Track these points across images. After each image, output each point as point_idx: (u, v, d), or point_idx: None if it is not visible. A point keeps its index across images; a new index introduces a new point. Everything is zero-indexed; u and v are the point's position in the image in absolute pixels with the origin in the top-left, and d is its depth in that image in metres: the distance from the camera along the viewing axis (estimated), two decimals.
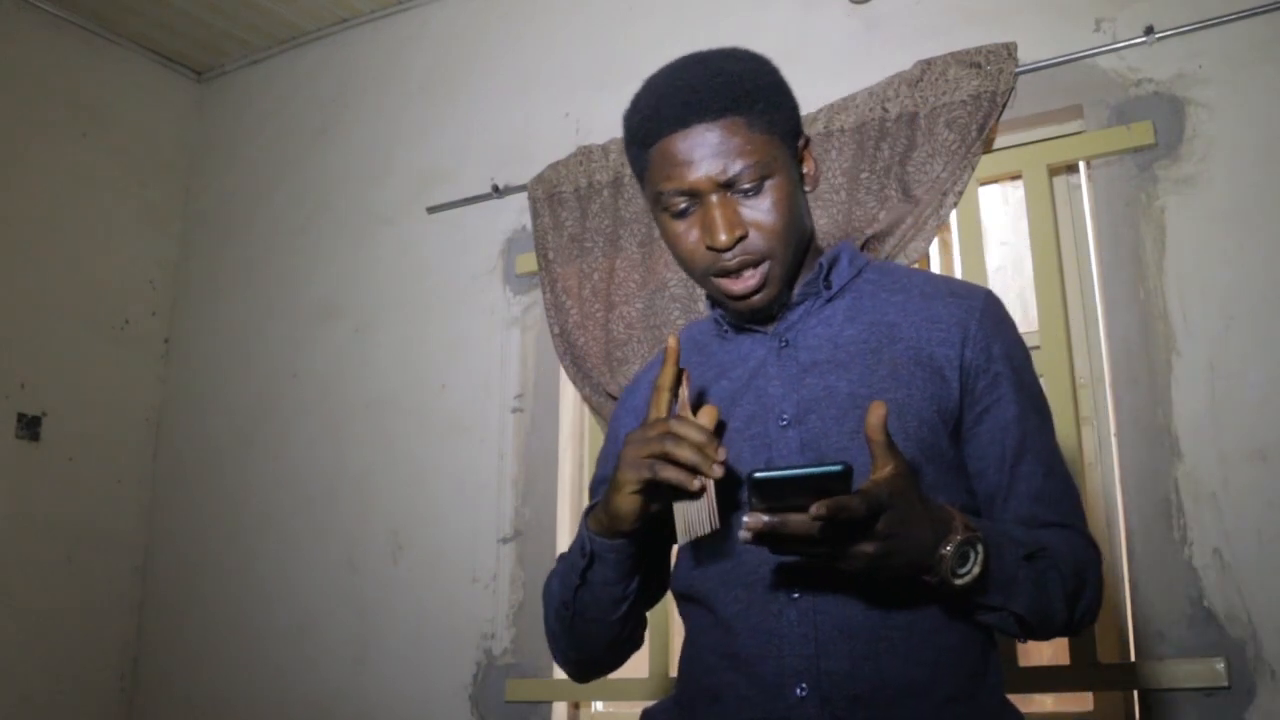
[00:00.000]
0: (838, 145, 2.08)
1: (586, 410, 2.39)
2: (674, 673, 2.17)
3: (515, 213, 2.58)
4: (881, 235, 2.00)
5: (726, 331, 1.20)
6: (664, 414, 1.03)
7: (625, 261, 2.30)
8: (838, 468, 0.85)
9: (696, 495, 0.98)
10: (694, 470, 0.96)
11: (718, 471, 0.96)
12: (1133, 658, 1.77)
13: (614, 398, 2.24)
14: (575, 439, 2.44)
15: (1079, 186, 2.05)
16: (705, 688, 1.10)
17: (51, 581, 2.71)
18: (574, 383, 2.34)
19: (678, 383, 1.04)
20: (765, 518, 0.87)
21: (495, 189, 2.61)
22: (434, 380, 2.61)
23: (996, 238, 2.53)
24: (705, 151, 1.05)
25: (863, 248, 2.02)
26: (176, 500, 2.94)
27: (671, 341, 1.05)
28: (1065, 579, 1.04)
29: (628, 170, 2.33)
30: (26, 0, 2.88)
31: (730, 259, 1.07)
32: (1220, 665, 1.66)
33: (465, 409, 2.54)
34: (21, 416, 2.72)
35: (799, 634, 1.03)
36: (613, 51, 2.57)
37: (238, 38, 3.11)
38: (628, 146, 1.13)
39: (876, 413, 0.93)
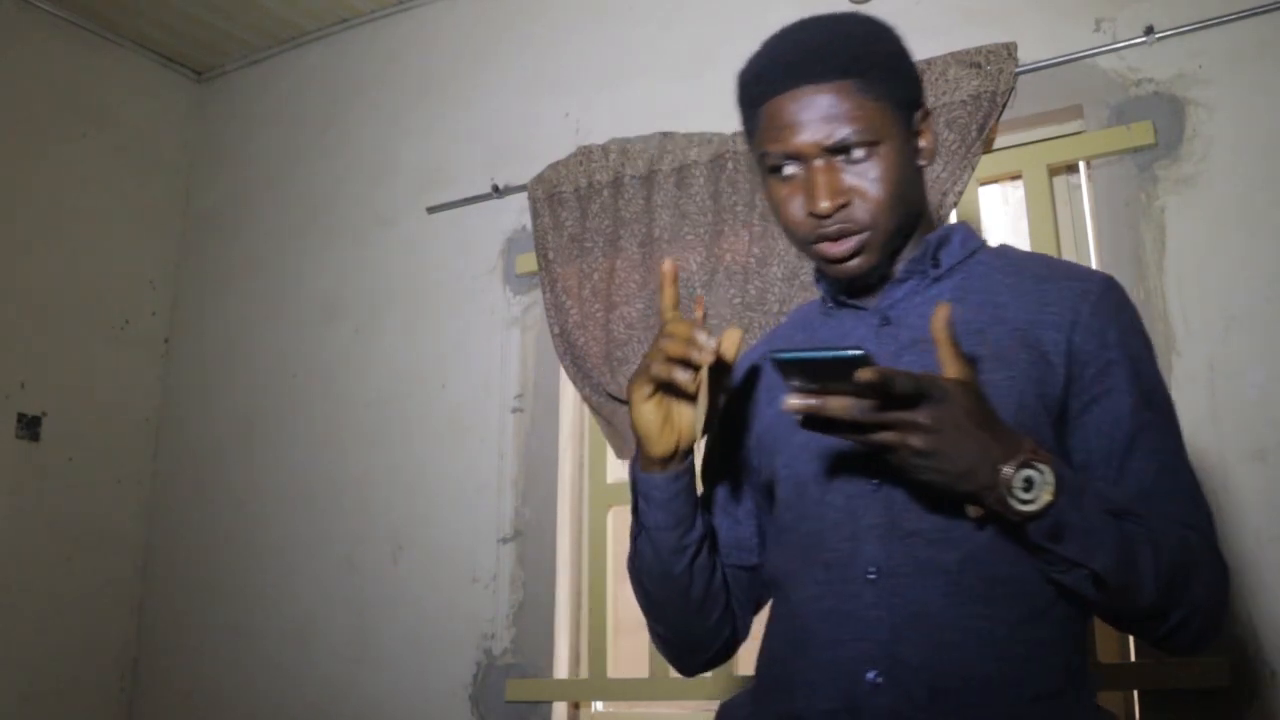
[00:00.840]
0: None
1: (586, 410, 2.39)
2: (674, 673, 2.17)
3: (515, 213, 2.58)
4: None
5: (830, 308, 1.17)
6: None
7: (625, 261, 2.30)
8: (858, 351, 0.83)
9: (694, 397, 1.01)
10: (685, 363, 0.98)
11: (705, 357, 0.97)
12: (1133, 657, 1.77)
13: (614, 398, 2.24)
14: (575, 439, 2.44)
15: (1079, 186, 2.05)
16: (775, 677, 1.07)
17: (51, 581, 2.71)
18: (574, 383, 2.34)
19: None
20: (809, 399, 0.87)
21: (495, 189, 2.61)
22: (434, 380, 2.61)
23: (996, 238, 2.53)
24: (813, 115, 1.02)
25: None
26: (176, 500, 2.94)
27: (667, 265, 1.05)
28: (1161, 555, 0.94)
29: (628, 170, 2.33)
30: (27, 0, 2.88)
31: (830, 226, 1.04)
32: (1220, 665, 1.66)
33: (465, 409, 2.54)
34: (21, 416, 2.72)
35: (873, 616, 0.98)
36: (613, 51, 2.57)
37: (238, 38, 3.11)
38: (740, 105, 1.11)
39: (941, 313, 0.91)
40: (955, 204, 1.99)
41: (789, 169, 1.06)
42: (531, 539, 2.37)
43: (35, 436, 2.74)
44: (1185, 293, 1.84)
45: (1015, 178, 2.08)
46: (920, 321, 1.07)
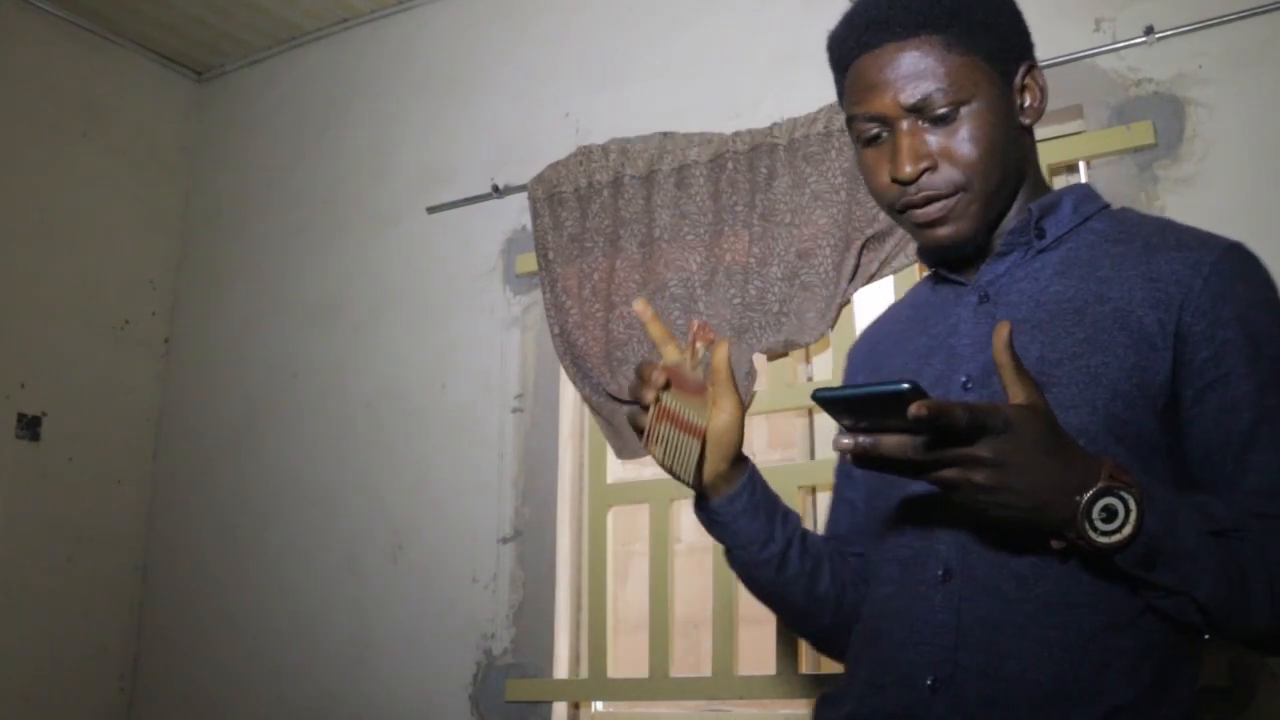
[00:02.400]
0: (837, 145, 2.08)
1: (586, 410, 2.39)
2: (675, 672, 2.18)
3: (515, 213, 2.58)
4: (881, 235, 2.00)
5: (933, 284, 1.12)
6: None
7: (625, 261, 2.30)
8: (904, 385, 0.77)
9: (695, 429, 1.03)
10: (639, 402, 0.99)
11: (647, 397, 0.98)
12: None
13: (614, 398, 2.24)
14: (575, 439, 2.44)
15: None
16: (853, 671, 1.05)
17: (51, 581, 2.71)
18: (574, 383, 2.34)
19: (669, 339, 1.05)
20: (861, 439, 0.82)
21: (495, 189, 2.61)
22: (434, 380, 2.60)
23: None
24: (894, 74, 0.96)
25: (862, 248, 2.02)
26: (176, 500, 2.94)
27: (639, 305, 1.04)
28: (1275, 576, 0.86)
29: (628, 170, 2.33)
30: (27, 0, 2.87)
31: (915, 193, 0.98)
32: (1220, 665, 1.66)
33: (465, 409, 2.54)
34: (21, 416, 2.72)
35: (940, 620, 0.94)
36: (613, 51, 2.57)
37: (238, 38, 3.11)
38: (832, 71, 1.06)
39: (1001, 333, 0.83)
40: None
41: (874, 130, 1.00)
42: (531, 539, 2.37)
43: (35, 436, 2.74)
44: None
45: None
46: (1020, 299, 1.01)
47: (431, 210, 2.72)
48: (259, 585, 2.71)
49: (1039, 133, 2.04)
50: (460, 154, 2.73)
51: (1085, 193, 1.08)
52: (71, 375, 2.84)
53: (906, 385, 0.77)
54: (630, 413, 1.02)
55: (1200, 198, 1.86)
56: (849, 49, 1.01)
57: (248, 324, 2.98)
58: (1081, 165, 2.03)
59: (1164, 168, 1.89)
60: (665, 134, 2.33)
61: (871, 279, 2.03)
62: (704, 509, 1.09)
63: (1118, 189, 1.93)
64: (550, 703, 2.26)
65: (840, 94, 1.06)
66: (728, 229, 2.19)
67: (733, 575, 2.12)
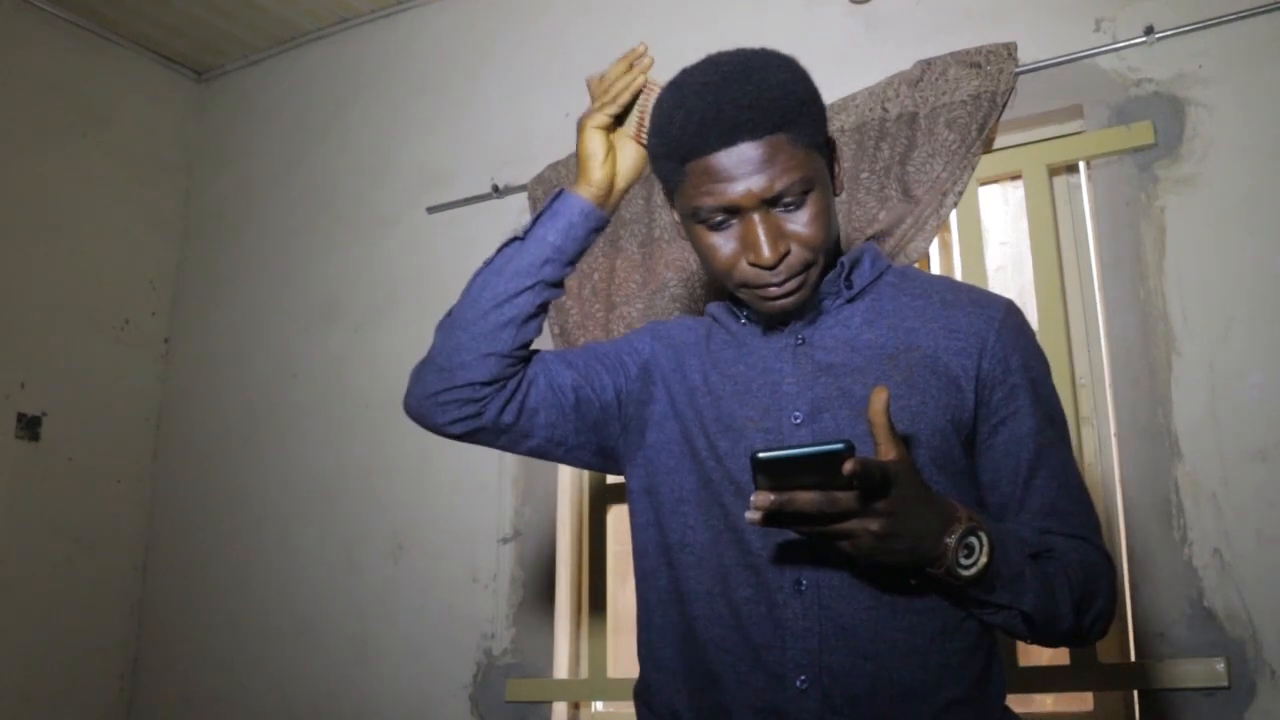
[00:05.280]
0: (837, 146, 2.08)
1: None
2: None
3: (515, 213, 2.58)
4: (881, 235, 2.00)
5: (743, 322, 1.20)
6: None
7: (625, 261, 2.30)
8: (840, 445, 0.84)
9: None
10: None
11: (644, 61, 1.17)
12: (1133, 658, 1.77)
13: None
14: None
15: (1079, 186, 2.05)
16: (701, 662, 1.10)
17: (51, 581, 2.71)
18: None
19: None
20: (773, 497, 0.88)
21: (495, 189, 2.61)
22: None
23: (996, 238, 2.53)
24: (749, 169, 1.04)
25: None
26: (176, 500, 2.94)
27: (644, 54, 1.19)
28: (1073, 584, 1.04)
29: None
30: (27, 0, 2.88)
31: (775, 275, 1.07)
32: (1220, 665, 1.66)
33: None
34: (21, 416, 2.72)
35: (803, 626, 1.04)
36: (613, 52, 2.53)
37: (238, 38, 3.11)
38: (658, 159, 1.11)
39: (879, 397, 0.94)
40: (955, 204, 1.99)
41: (721, 219, 1.08)
42: (531, 539, 2.37)
43: (35, 436, 2.74)
44: (1185, 293, 1.84)
45: (1015, 178, 2.09)
46: (834, 344, 1.14)
47: (431, 210, 2.72)
48: (259, 585, 2.71)
49: (1039, 133, 2.07)
50: (460, 154, 2.73)
51: (876, 251, 1.21)
52: (71, 375, 2.84)
53: (842, 445, 0.84)
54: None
55: (1200, 198, 1.86)
56: (698, 143, 1.05)
57: (248, 324, 2.98)
58: (1081, 165, 2.03)
59: (1164, 168, 1.89)
60: None
61: None
62: (564, 198, 1.18)
63: (1118, 189, 1.93)
64: (550, 703, 2.26)
65: (671, 181, 1.11)
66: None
67: None
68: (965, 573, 0.95)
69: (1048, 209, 1.99)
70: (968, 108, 1.99)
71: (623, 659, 2.31)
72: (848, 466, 0.84)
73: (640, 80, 1.17)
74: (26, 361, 2.75)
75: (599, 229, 1.20)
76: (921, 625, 1.04)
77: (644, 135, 1.16)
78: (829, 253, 1.13)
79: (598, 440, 1.24)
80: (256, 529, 2.76)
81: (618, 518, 2.37)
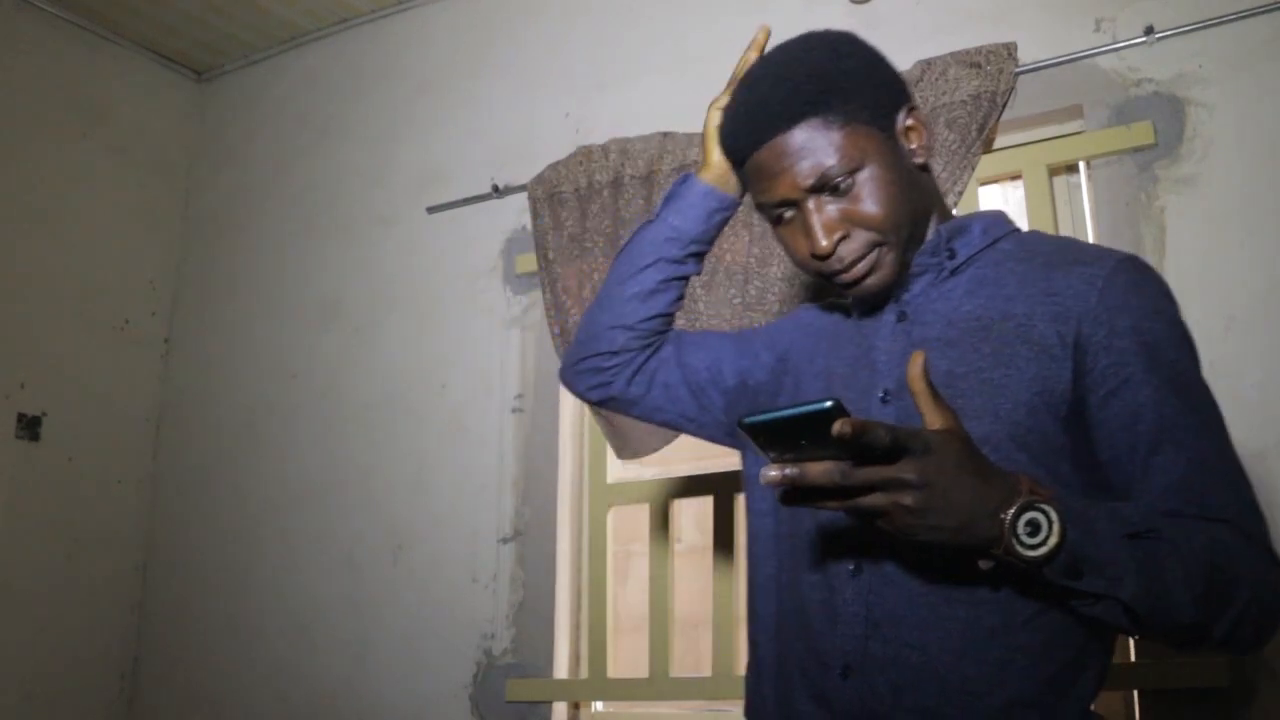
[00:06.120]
0: None
1: (586, 410, 2.39)
2: (675, 672, 2.18)
3: (515, 213, 2.58)
4: None
5: (853, 311, 1.19)
6: None
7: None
8: (827, 404, 0.78)
9: None
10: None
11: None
12: (1133, 657, 1.77)
13: None
14: (575, 439, 2.44)
15: (1079, 186, 2.05)
16: (782, 653, 1.09)
17: (51, 581, 2.71)
18: None
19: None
20: (787, 470, 0.82)
21: (495, 189, 2.61)
22: (434, 380, 2.61)
23: None
24: (788, 162, 1.03)
25: None
26: (176, 500, 2.94)
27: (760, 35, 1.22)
28: (1192, 571, 0.88)
29: (628, 170, 2.33)
30: (27, 0, 2.88)
31: (836, 263, 1.05)
32: (1220, 665, 1.66)
33: (465, 409, 2.54)
34: (21, 416, 2.72)
35: (852, 612, 1.01)
36: (613, 51, 2.57)
37: (238, 38, 3.11)
38: (733, 169, 1.17)
39: (915, 363, 0.86)
40: (955, 204, 1.99)
41: (783, 213, 1.07)
42: (531, 539, 2.37)
43: (35, 436, 2.74)
44: (1185, 293, 1.82)
45: (1015, 178, 2.08)
46: (934, 318, 1.08)
47: (431, 210, 2.72)
48: (259, 585, 2.71)
49: (1039, 133, 2.07)
50: (460, 154, 2.73)
51: (995, 217, 1.14)
52: (71, 375, 2.84)
53: (829, 404, 0.78)
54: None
55: (1200, 197, 1.86)
56: (742, 147, 1.08)
57: (248, 324, 2.98)
58: (1081, 165, 2.03)
59: (1164, 168, 1.89)
60: (665, 134, 2.33)
61: None
62: (688, 182, 1.21)
63: (1118, 189, 1.93)
64: (550, 703, 2.26)
65: (745, 184, 1.15)
66: (728, 229, 2.18)
67: (733, 575, 2.14)
68: (1030, 554, 0.83)
69: (1048, 209, 1.99)
70: (968, 108, 1.99)
71: (623, 659, 2.31)
72: (835, 428, 0.77)
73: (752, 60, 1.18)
74: (26, 361, 2.75)
75: (724, 209, 1.22)
76: (979, 617, 0.96)
77: None
78: (918, 226, 1.08)
79: (730, 421, 1.25)
80: (256, 529, 2.76)
81: (618, 518, 2.37)
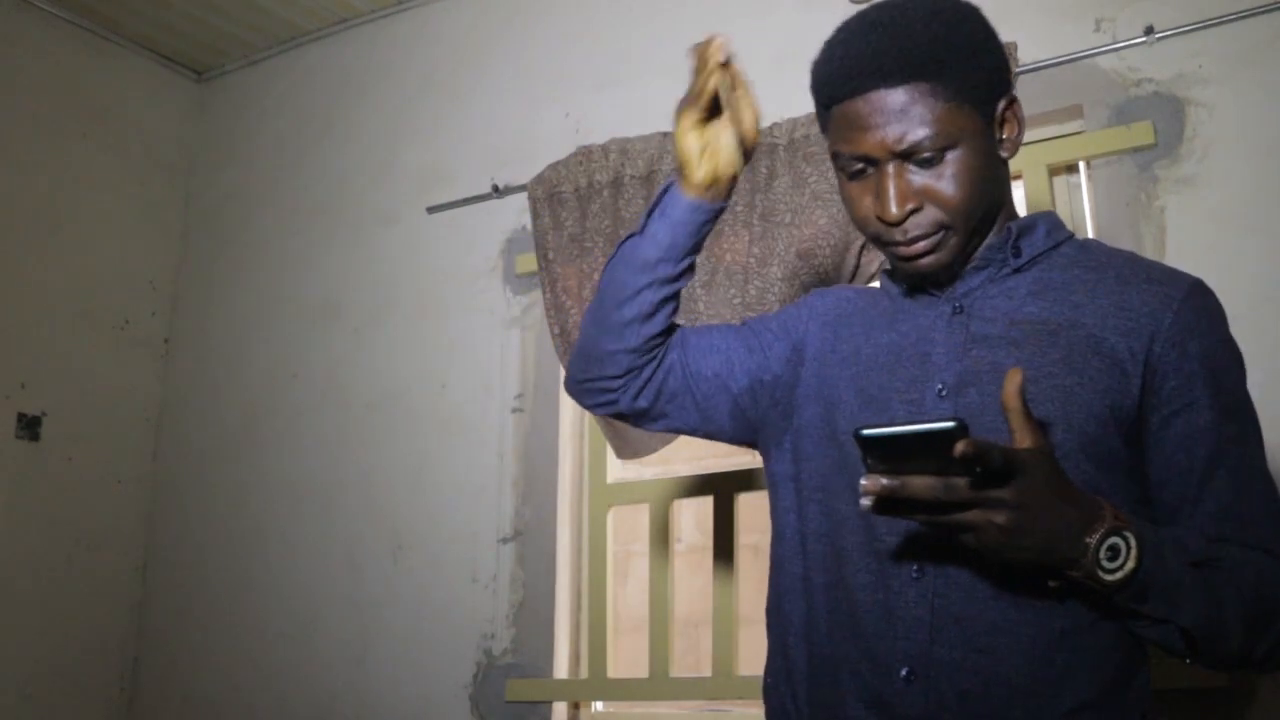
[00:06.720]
0: None
1: (586, 410, 2.39)
2: (675, 672, 2.18)
3: (515, 213, 2.58)
4: None
5: (902, 289, 1.14)
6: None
7: None
8: (952, 424, 0.77)
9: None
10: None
11: (718, 53, 1.13)
12: None
13: None
14: (575, 439, 2.44)
15: (1079, 186, 2.05)
16: (824, 656, 1.06)
17: (51, 581, 2.71)
18: None
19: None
20: (884, 481, 0.82)
21: (495, 189, 2.61)
22: (434, 380, 2.61)
23: None
24: (884, 119, 0.99)
25: (862, 249, 2.02)
26: (176, 500, 2.94)
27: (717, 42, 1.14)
28: (1245, 600, 0.93)
29: (628, 170, 2.33)
30: (27, 0, 2.88)
31: (901, 234, 1.02)
32: None
33: (465, 409, 2.54)
34: (21, 416, 2.72)
35: (914, 615, 0.99)
36: (613, 51, 2.57)
37: (238, 38, 3.11)
38: (813, 98, 1.09)
39: (1013, 380, 0.86)
40: None
41: (859, 167, 1.04)
42: (531, 539, 2.37)
43: (35, 436, 2.74)
44: None
45: (1015, 178, 2.07)
46: (994, 314, 1.06)
47: (431, 210, 2.72)
48: (259, 585, 2.71)
49: (1039, 133, 2.07)
50: (460, 154, 2.73)
51: (1056, 220, 1.12)
52: (71, 375, 2.84)
53: (954, 424, 0.77)
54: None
55: (1200, 198, 1.86)
56: (837, 89, 1.03)
57: (248, 324, 2.98)
58: (1081, 165, 2.03)
59: (1164, 168, 1.90)
60: (665, 134, 2.33)
61: (871, 279, 2.03)
62: (671, 195, 1.15)
63: (1118, 189, 1.93)
64: (550, 703, 2.26)
65: (821, 122, 1.09)
66: (728, 229, 2.19)
67: (732, 575, 2.14)
68: (1109, 578, 0.86)
69: (1048, 209, 1.99)
70: None
71: (623, 659, 2.31)
72: (959, 448, 0.77)
73: (717, 76, 1.13)
74: (26, 361, 2.75)
75: (711, 219, 1.16)
76: (1047, 620, 0.96)
77: (742, 122, 1.13)
78: (986, 219, 1.06)
79: (740, 424, 1.22)
80: (256, 529, 2.76)
81: (618, 518, 2.37)
